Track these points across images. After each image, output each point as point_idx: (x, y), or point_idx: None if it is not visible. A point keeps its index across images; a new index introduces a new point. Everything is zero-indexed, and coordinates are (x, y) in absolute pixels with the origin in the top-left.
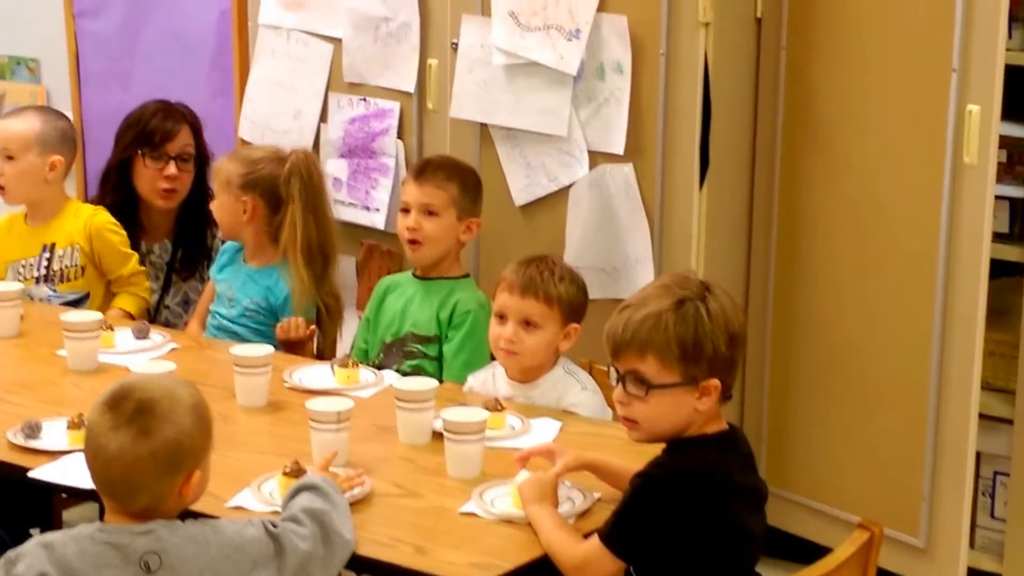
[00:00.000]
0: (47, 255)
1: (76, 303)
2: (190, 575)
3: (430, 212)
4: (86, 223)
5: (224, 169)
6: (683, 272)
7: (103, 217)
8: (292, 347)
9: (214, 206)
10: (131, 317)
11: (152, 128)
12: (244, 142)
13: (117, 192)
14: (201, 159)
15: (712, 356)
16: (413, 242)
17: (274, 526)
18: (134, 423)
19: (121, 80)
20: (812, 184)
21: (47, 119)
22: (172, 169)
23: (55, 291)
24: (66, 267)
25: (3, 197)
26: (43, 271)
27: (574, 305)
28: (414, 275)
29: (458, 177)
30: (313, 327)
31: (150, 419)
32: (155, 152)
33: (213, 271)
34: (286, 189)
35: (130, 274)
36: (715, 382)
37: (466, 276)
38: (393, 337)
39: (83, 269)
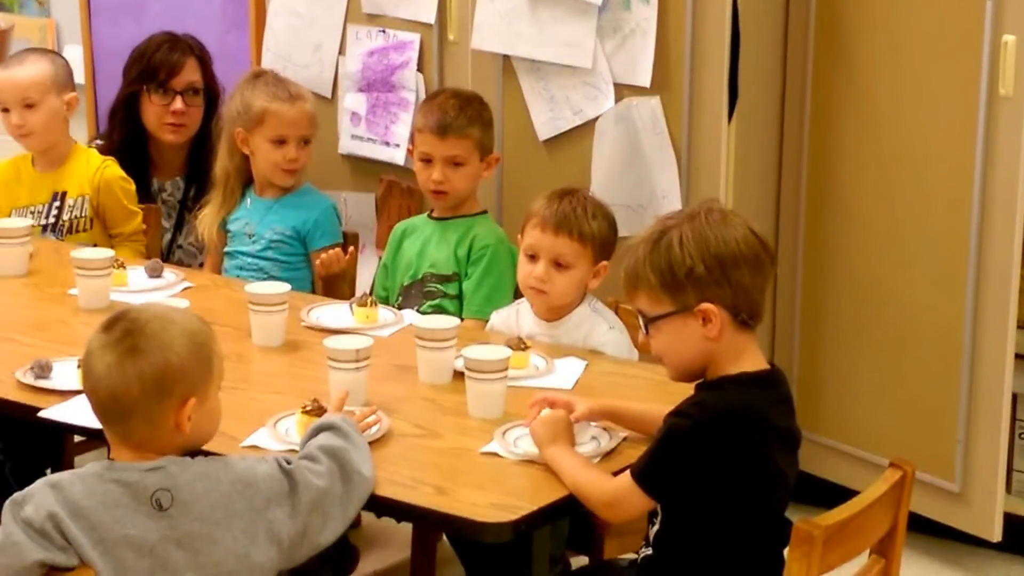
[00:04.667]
0: (57, 203)
1: None
2: (202, 512)
3: (456, 163)
4: (96, 174)
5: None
6: (705, 201)
7: (113, 171)
8: (331, 281)
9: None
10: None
11: (157, 62)
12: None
13: (125, 127)
14: (211, 93)
15: (692, 280)
16: (439, 192)
17: (288, 463)
18: (123, 343)
19: (133, 12)
20: (843, 118)
21: (52, 58)
22: (179, 104)
23: (61, 242)
24: (75, 218)
25: (28, 144)
26: (52, 220)
27: (606, 242)
28: (430, 216)
29: (477, 118)
30: (352, 248)
31: (139, 339)
32: (161, 87)
33: (221, 218)
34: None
35: (132, 232)
36: (708, 306)
37: (483, 212)
38: (412, 279)
39: (91, 221)
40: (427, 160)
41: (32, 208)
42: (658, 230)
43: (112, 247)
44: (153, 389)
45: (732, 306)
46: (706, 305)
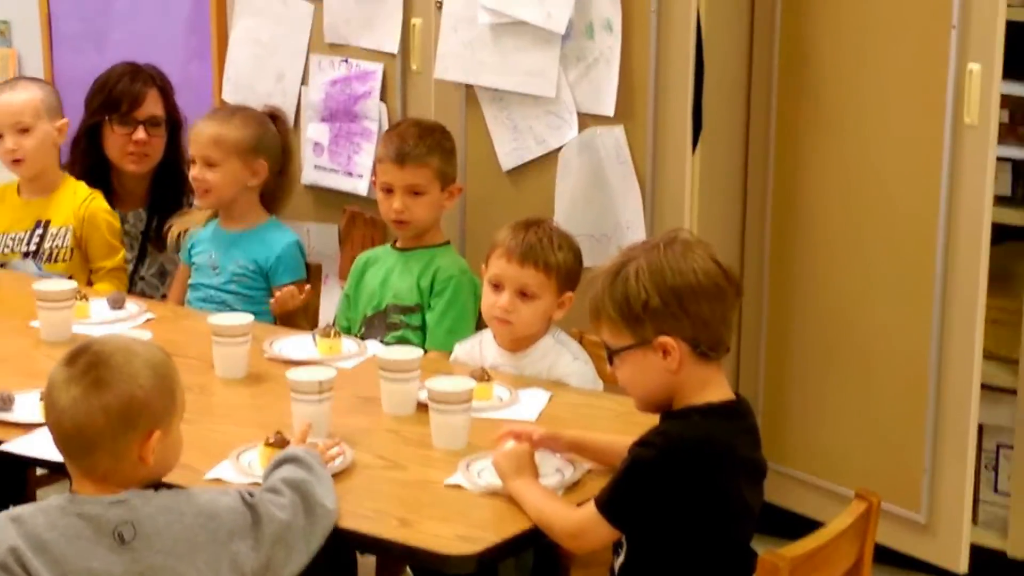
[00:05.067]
0: (40, 231)
1: None
2: (165, 545)
3: (416, 192)
4: (82, 205)
5: (228, 136)
6: (670, 231)
7: (100, 204)
8: (287, 318)
9: (211, 175)
10: None
11: (119, 93)
12: (218, 105)
13: (87, 158)
14: (173, 123)
15: (649, 313)
16: (400, 222)
17: (251, 496)
18: (87, 376)
19: (95, 42)
20: (809, 146)
21: (41, 84)
22: (141, 134)
23: (40, 269)
24: (57, 247)
25: (19, 170)
26: (33, 247)
27: (571, 273)
28: (393, 246)
29: (437, 147)
30: (308, 287)
31: (103, 371)
32: (123, 118)
33: (185, 251)
34: (288, 147)
35: (114, 267)
36: (666, 339)
37: (446, 243)
38: (374, 310)
39: (72, 252)
40: (388, 190)
41: (14, 234)
42: (618, 262)
43: (92, 282)
44: (118, 422)
45: (692, 338)
46: (664, 339)
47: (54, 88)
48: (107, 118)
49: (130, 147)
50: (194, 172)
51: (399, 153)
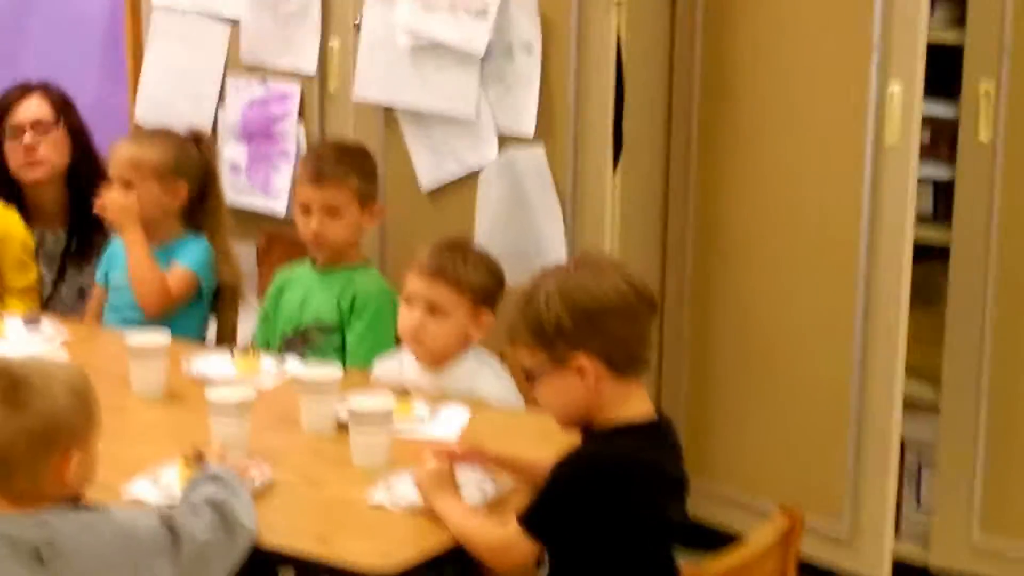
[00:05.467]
0: None
1: None
2: (84, 566)
3: (332, 213)
4: None
5: (146, 158)
6: (581, 252)
7: (12, 220)
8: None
9: (131, 199)
10: None
11: (3, 106)
12: (138, 127)
13: None
14: (75, 132)
15: (561, 334)
16: (317, 242)
17: (170, 515)
18: (6, 397)
19: (6, 64)
20: (730, 165)
21: None
22: (27, 138)
23: None
24: None
25: None
26: None
27: (486, 292)
28: (312, 266)
29: (356, 167)
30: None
31: (22, 393)
32: (9, 126)
33: (101, 274)
34: (212, 169)
35: (24, 287)
36: (581, 358)
37: (366, 262)
38: (294, 331)
39: None
40: (306, 209)
41: None
42: (531, 286)
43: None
44: (38, 444)
45: (606, 357)
46: (579, 357)
47: None
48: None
49: (21, 155)
50: (112, 194)
51: (316, 172)
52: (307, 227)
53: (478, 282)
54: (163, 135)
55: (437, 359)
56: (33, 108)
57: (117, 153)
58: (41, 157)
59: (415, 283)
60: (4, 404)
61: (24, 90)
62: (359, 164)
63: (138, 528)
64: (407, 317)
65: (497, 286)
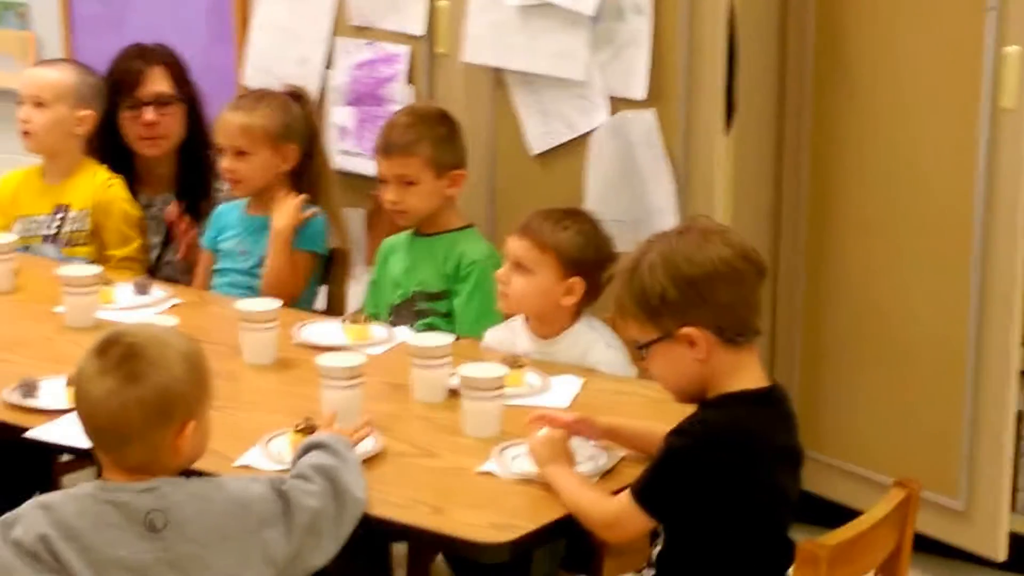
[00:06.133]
0: (60, 215)
1: None
2: (196, 533)
3: (406, 183)
4: (98, 190)
5: (256, 124)
6: (687, 219)
7: (116, 191)
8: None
9: (242, 165)
10: None
11: (120, 74)
12: (241, 93)
13: (108, 144)
14: (192, 102)
15: (668, 305)
16: (398, 212)
17: (281, 483)
18: (121, 368)
19: (114, 25)
20: (843, 130)
21: (82, 72)
22: (150, 115)
23: (60, 255)
24: (75, 231)
25: (27, 144)
26: (53, 230)
27: (577, 259)
28: (415, 234)
29: (426, 135)
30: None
31: (137, 364)
32: (129, 100)
33: (209, 239)
34: (314, 126)
35: (124, 256)
36: (690, 330)
37: (468, 226)
38: (401, 299)
39: (92, 236)
40: (383, 180)
41: (34, 218)
42: (634, 257)
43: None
44: (154, 415)
45: (715, 326)
46: (687, 329)
47: (97, 80)
48: (118, 102)
49: (141, 130)
50: (224, 163)
51: (385, 144)
52: (386, 198)
53: (566, 245)
54: (268, 98)
55: (547, 326)
56: (155, 83)
57: (226, 122)
58: (161, 132)
59: (509, 240)
60: (119, 375)
61: (144, 59)
62: (430, 131)
63: (250, 496)
64: (499, 272)
65: (594, 255)
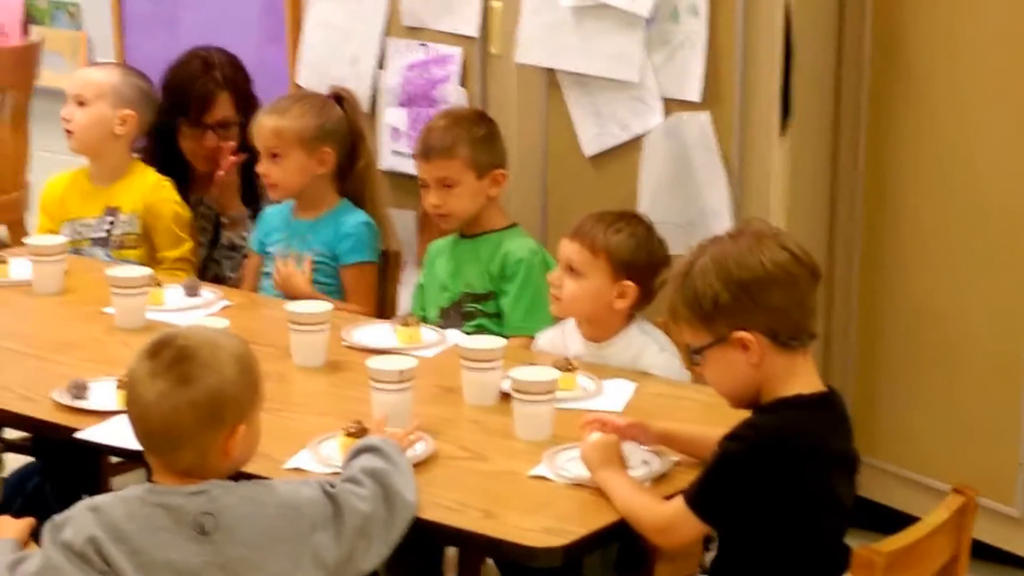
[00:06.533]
0: (110, 219)
1: None
2: (247, 537)
3: (447, 185)
4: (148, 192)
5: (288, 127)
6: (741, 223)
7: (166, 193)
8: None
9: (276, 169)
10: None
11: (188, 97)
12: (300, 89)
13: (161, 146)
14: (248, 114)
15: (720, 309)
16: (439, 216)
17: (332, 486)
18: (173, 370)
19: (167, 25)
20: (900, 133)
21: (127, 73)
22: (211, 140)
23: (110, 257)
24: (126, 234)
25: (69, 143)
26: (103, 234)
27: (629, 262)
28: (459, 235)
29: (465, 137)
30: (311, 258)
31: (190, 367)
32: (193, 122)
33: (256, 241)
34: (357, 128)
35: (176, 258)
36: (743, 334)
37: (513, 225)
38: (449, 301)
39: (142, 239)
40: (424, 184)
41: (83, 221)
42: (687, 261)
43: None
44: (206, 418)
45: (769, 330)
46: (740, 333)
47: (139, 83)
48: (179, 118)
49: (200, 149)
50: (260, 166)
51: (424, 147)
52: (428, 203)
53: (617, 249)
54: (303, 101)
55: (599, 329)
56: (222, 110)
57: (259, 125)
58: (219, 153)
59: (562, 243)
60: (171, 378)
61: (212, 79)
62: (468, 132)
63: (301, 500)
64: (551, 275)
65: (646, 259)
